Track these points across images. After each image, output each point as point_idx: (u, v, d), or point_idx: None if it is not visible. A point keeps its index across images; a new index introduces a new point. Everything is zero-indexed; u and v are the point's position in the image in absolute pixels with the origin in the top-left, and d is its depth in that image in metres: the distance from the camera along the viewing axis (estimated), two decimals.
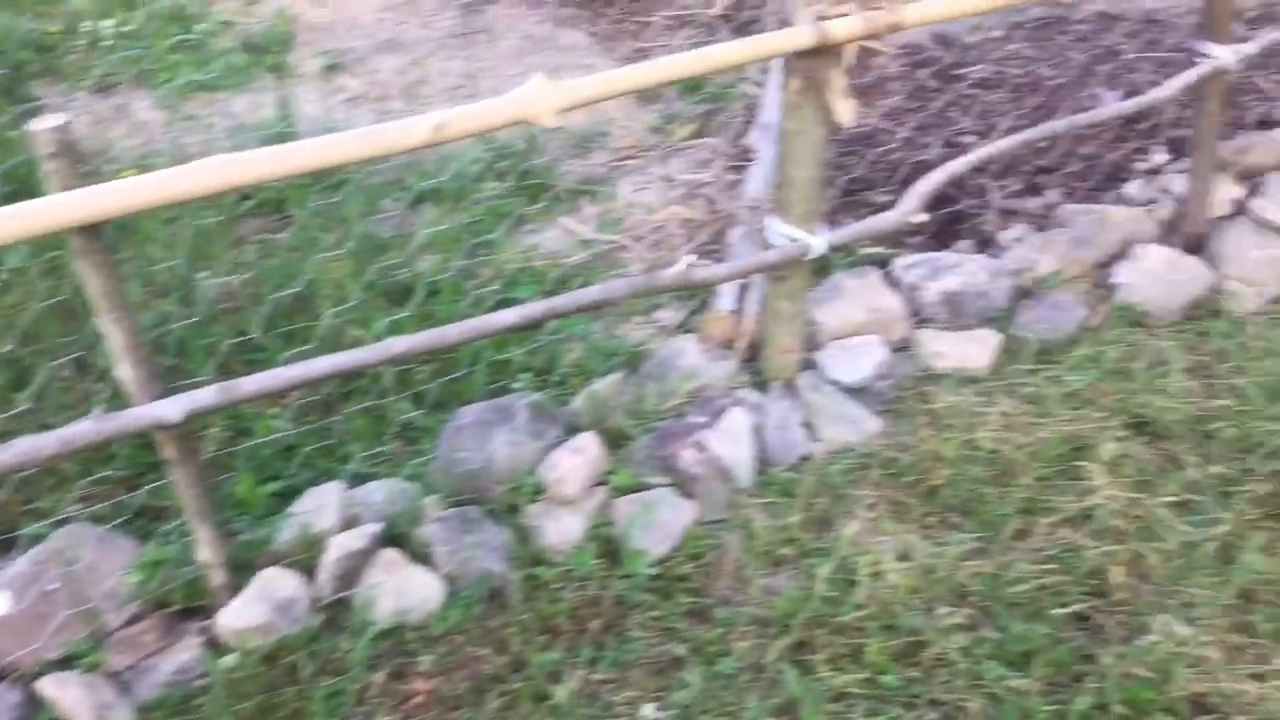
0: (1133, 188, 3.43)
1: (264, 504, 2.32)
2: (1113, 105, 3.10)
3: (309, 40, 4.31)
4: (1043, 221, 3.29)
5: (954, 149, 3.32)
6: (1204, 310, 3.01)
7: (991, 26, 4.19)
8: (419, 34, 4.26)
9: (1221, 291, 3.05)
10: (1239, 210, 3.35)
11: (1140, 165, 3.58)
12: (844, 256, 3.05)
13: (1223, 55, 2.88)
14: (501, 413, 2.45)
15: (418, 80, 3.99)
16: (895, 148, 3.43)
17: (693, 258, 2.26)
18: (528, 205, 3.23)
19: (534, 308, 2.14)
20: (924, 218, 2.57)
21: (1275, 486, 2.42)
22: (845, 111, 2.35)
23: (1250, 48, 2.93)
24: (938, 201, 3.29)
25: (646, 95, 3.82)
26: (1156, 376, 2.74)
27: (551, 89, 1.94)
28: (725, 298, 2.85)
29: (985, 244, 3.24)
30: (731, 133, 3.55)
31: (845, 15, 2.23)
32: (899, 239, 3.20)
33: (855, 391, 2.70)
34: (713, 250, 3.09)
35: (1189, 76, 2.92)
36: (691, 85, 3.80)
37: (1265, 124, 3.71)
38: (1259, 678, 2.05)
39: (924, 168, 2.88)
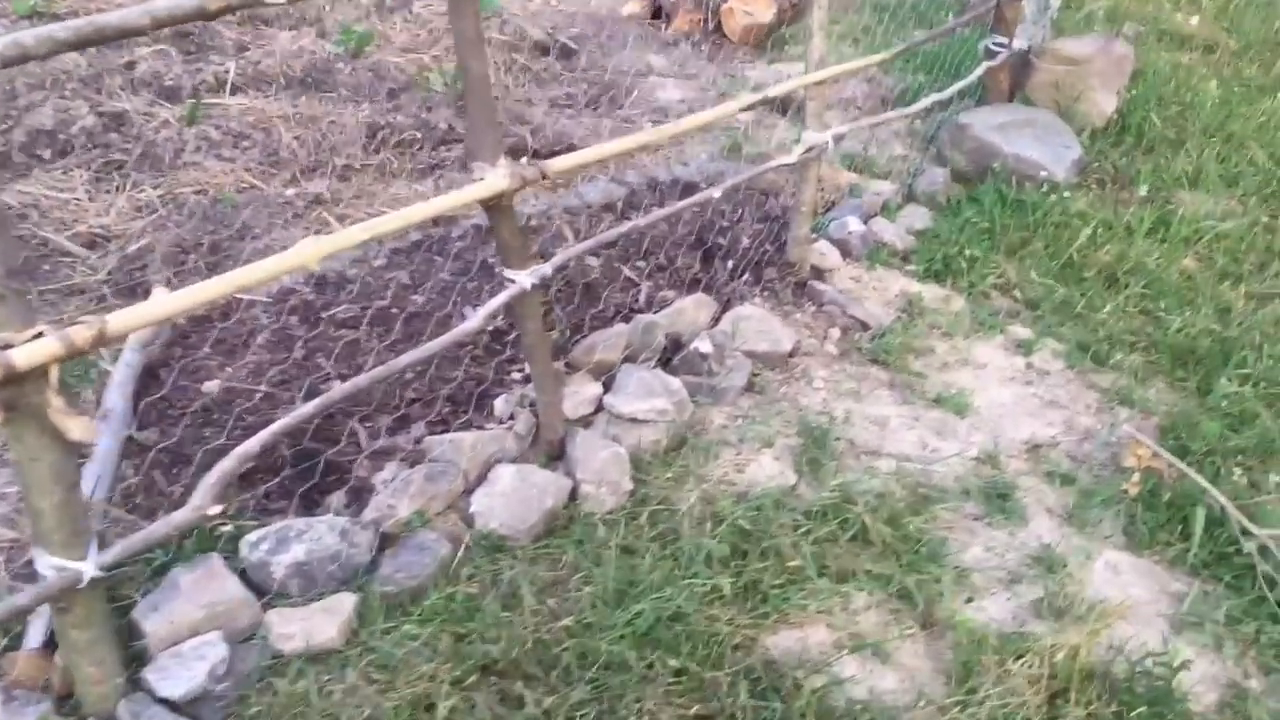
0: (500, 404, 3.49)
1: None
2: (455, 330, 3.12)
3: None
4: (416, 456, 3.27)
5: (316, 397, 3.24)
6: (562, 521, 3.08)
7: (375, 255, 4.24)
8: None
9: (579, 497, 3.14)
10: (600, 407, 3.52)
11: (514, 378, 3.69)
12: (194, 542, 2.85)
13: (521, 279, 3.03)
14: None
15: None
16: (253, 409, 3.31)
17: None
18: None
19: None
20: (217, 509, 2.43)
21: (603, 706, 2.45)
22: (78, 429, 2.18)
23: (546, 269, 3.09)
24: (301, 456, 3.20)
25: None
26: (506, 608, 2.74)
27: None
28: (35, 631, 2.56)
29: (360, 492, 3.16)
30: None
31: (38, 336, 2.08)
32: (263, 505, 3.06)
33: (190, 704, 2.48)
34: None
35: (499, 300, 3.04)
36: None
37: (625, 314, 3.97)
38: None
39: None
